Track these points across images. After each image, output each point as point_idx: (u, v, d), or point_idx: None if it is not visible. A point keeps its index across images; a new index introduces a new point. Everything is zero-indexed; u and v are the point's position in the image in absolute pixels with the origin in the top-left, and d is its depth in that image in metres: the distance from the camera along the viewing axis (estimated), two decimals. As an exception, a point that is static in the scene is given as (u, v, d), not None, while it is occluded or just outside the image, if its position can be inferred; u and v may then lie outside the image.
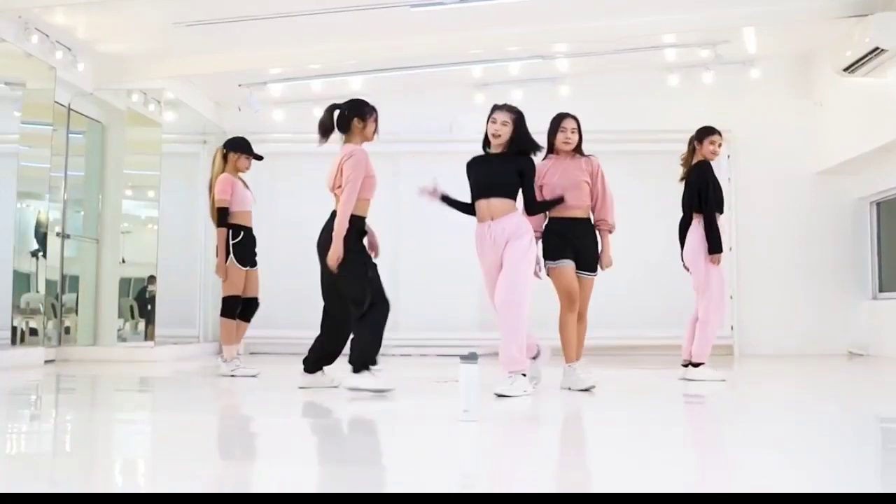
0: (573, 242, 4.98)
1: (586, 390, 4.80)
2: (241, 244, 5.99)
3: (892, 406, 4.67)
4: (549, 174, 5.06)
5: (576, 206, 4.98)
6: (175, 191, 8.88)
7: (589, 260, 5.01)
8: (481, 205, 4.69)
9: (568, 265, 4.95)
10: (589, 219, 5.07)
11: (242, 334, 6.17)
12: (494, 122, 4.74)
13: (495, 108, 4.81)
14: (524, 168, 4.72)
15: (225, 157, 6.09)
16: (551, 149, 5.11)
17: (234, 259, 5.96)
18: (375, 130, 4.96)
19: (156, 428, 3.75)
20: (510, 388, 4.42)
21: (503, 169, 4.70)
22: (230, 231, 5.97)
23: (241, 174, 6.13)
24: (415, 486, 2.40)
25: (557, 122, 5.10)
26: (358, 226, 4.73)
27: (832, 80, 8.27)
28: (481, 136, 4.88)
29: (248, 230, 6.08)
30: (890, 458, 2.99)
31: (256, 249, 6.18)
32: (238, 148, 6.10)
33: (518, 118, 4.75)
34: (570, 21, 7.67)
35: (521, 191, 4.74)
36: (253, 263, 6.11)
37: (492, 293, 4.67)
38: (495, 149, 4.77)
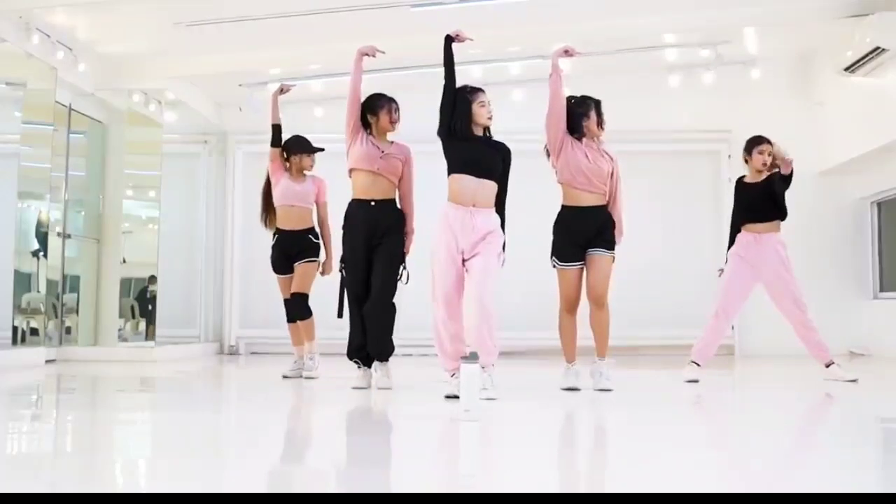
0: (586, 236, 4.89)
1: (606, 390, 4.79)
2: (272, 247, 5.89)
3: (892, 406, 4.67)
4: (573, 148, 4.91)
5: (596, 192, 4.90)
6: (176, 191, 8.89)
7: (605, 239, 4.89)
8: (468, 182, 4.50)
9: (572, 269, 4.91)
10: (602, 206, 4.93)
11: (309, 332, 5.86)
12: (484, 105, 4.59)
13: (475, 90, 4.64)
14: (506, 157, 4.62)
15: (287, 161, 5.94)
16: (573, 131, 4.98)
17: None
18: (391, 120, 5.09)
19: (156, 428, 3.75)
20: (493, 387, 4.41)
21: (491, 152, 4.58)
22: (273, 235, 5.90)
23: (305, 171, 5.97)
24: (415, 485, 2.40)
25: (587, 105, 5.02)
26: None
27: (833, 80, 8.26)
28: None
29: (284, 232, 5.86)
30: (890, 458, 2.99)
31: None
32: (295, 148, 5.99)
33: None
34: (571, 21, 7.66)
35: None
36: (283, 270, 5.88)
37: (454, 286, 4.55)
38: (478, 132, 4.62)
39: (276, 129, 5.94)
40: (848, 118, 8.33)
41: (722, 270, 5.65)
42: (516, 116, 9.04)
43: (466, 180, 4.51)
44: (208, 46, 7.81)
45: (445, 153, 4.63)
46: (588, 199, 4.92)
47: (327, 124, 9.27)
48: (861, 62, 7.37)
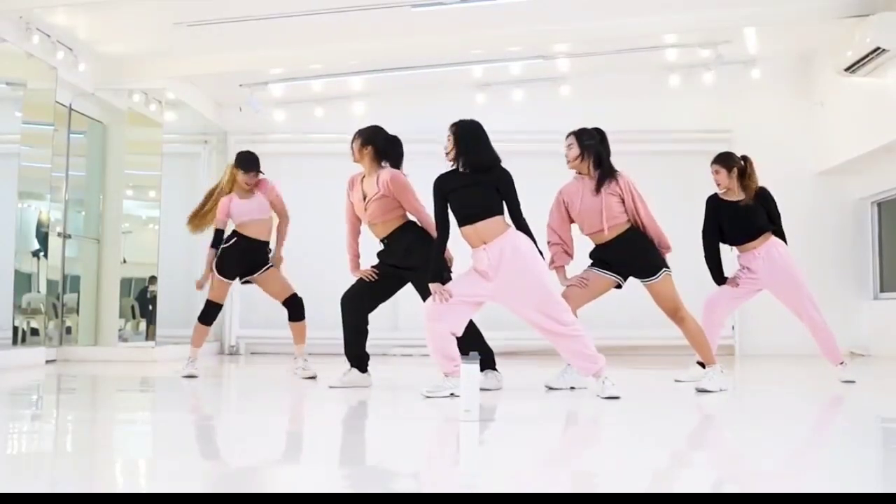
0: (614, 266, 4.93)
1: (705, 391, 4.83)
2: (226, 251, 5.93)
3: (892, 406, 4.67)
4: (572, 202, 4.94)
5: (599, 232, 4.89)
6: (176, 191, 8.88)
7: (641, 269, 4.89)
8: (468, 232, 4.44)
9: (590, 270, 4.96)
10: (623, 234, 4.88)
11: (300, 333, 5.99)
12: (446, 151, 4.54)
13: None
14: (499, 184, 4.42)
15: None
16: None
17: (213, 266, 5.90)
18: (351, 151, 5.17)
19: (156, 428, 3.76)
20: (607, 389, 4.43)
21: (477, 190, 4.42)
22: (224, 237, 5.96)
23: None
24: (415, 486, 2.40)
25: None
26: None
27: (833, 80, 8.26)
28: None
29: (247, 239, 5.96)
30: (890, 458, 2.99)
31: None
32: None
33: (458, 130, 4.50)
34: (571, 21, 7.67)
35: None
36: (232, 276, 6.00)
37: (463, 294, 4.45)
38: (467, 169, 4.49)
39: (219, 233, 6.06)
40: (848, 118, 8.33)
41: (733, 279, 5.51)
42: (516, 116, 9.07)
43: (464, 231, 4.47)
44: (208, 46, 7.81)
45: None
46: (599, 238, 4.95)
47: (327, 124, 9.31)
48: (861, 62, 7.37)
